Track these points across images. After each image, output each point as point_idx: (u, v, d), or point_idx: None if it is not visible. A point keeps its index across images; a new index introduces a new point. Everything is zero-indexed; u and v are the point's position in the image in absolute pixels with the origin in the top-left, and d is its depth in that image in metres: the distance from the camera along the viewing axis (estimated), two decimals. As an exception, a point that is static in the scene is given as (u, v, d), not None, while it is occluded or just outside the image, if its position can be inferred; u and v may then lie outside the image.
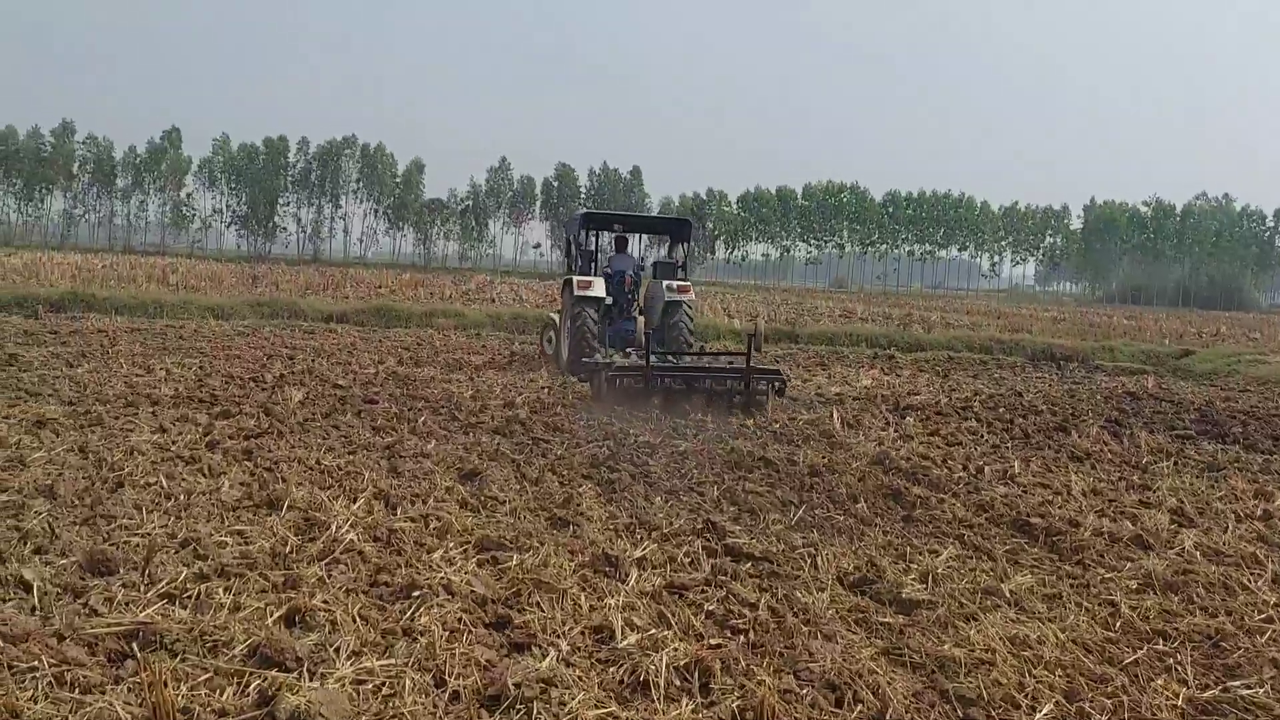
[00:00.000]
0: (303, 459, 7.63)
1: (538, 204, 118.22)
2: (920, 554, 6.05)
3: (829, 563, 5.71)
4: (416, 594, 4.69)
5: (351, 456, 7.92)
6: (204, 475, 6.99)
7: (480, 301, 30.46)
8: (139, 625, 4.06)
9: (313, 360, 14.52)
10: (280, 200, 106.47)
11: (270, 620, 4.33)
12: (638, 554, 5.60)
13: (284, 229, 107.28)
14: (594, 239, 16.65)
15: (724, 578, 5.33)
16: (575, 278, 14.66)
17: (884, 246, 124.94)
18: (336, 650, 4.02)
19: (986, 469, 8.66)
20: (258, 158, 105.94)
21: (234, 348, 15.91)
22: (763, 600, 4.96)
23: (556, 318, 16.11)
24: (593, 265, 16.06)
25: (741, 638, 4.50)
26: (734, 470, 8.22)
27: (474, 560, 5.40)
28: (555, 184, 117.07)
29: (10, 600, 4.39)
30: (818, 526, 6.62)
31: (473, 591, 4.80)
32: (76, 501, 6.05)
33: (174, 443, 8.01)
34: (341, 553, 5.30)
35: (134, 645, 3.96)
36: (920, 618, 4.88)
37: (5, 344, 14.23)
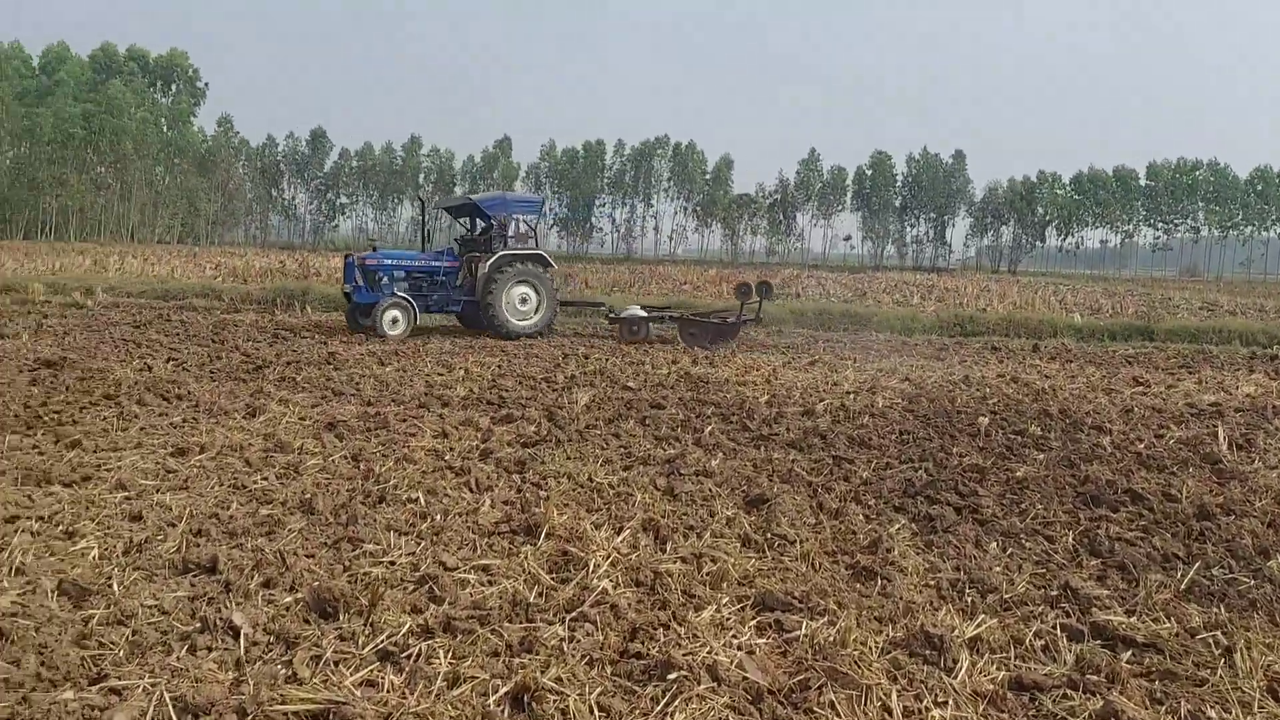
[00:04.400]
0: (574, 474, 6.85)
1: (848, 195, 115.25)
2: (1394, 654, 4.20)
3: (1250, 660, 4.03)
4: (673, 676, 3.63)
5: (626, 472, 7.05)
6: (469, 490, 6.38)
7: (786, 296, 29.32)
8: (330, 705, 3.30)
9: (607, 359, 14.05)
10: (597, 201, 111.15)
11: (492, 700, 3.45)
12: (970, 632, 4.22)
13: (599, 229, 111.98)
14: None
15: (1095, 676, 3.84)
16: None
17: (1249, 229, 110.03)
18: (558, 764, 3.04)
19: None
20: (578, 161, 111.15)
21: (535, 345, 15.84)
22: (1160, 724, 3.45)
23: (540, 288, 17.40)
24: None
25: (1135, 793, 3.05)
26: (1091, 506, 6.51)
27: (752, 624, 4.28)
28: (868, 173, 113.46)
29: (214, 650, 3.81)
30: (1221, 596, 4.88)
31: (745, 678, 3.67)
32: (331, 519, 5.59)
33: (451, 450, 7.55)
34: (593, 604, 4.36)
35: (320, 731, 3.20)
36: None
37: (330, 342, 14.92)
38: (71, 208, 71.95)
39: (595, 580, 4.66)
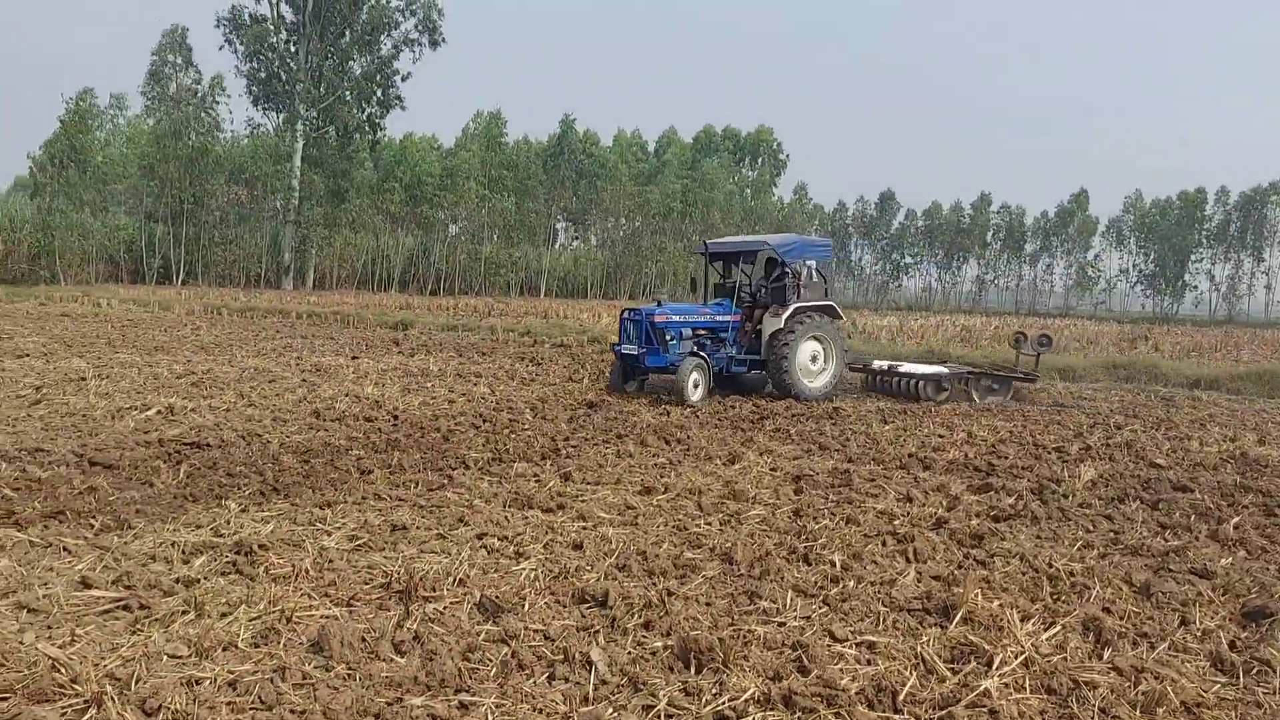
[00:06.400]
0: (1029, 556, 6.03)
1: None
2: None
3: None
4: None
5: (1100, 561, 6.04)
6: (903, 560, 5.94)
7: None
8: (624, 756, 3.22)
9: (1141, 431, 12.27)
10: (1192, 257, 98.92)
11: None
12: None
13: (1194, 287, 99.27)
14: None
15: None
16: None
17: None
18: None
19: None
20: (1170, 213, 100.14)
21: (1062, 412, 14.40)
22: None
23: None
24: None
25: None
26: None
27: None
28: None
29: (568, 682, 3.95)
30: None
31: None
32: (745, 571, 5.55)
33: (907, 514, 7.12)
34: (968, 705, 3.77)
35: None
36: None
37: (837, 397, 14.98)
38: (667, 271, 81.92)
39: (989, 679, 4.03)
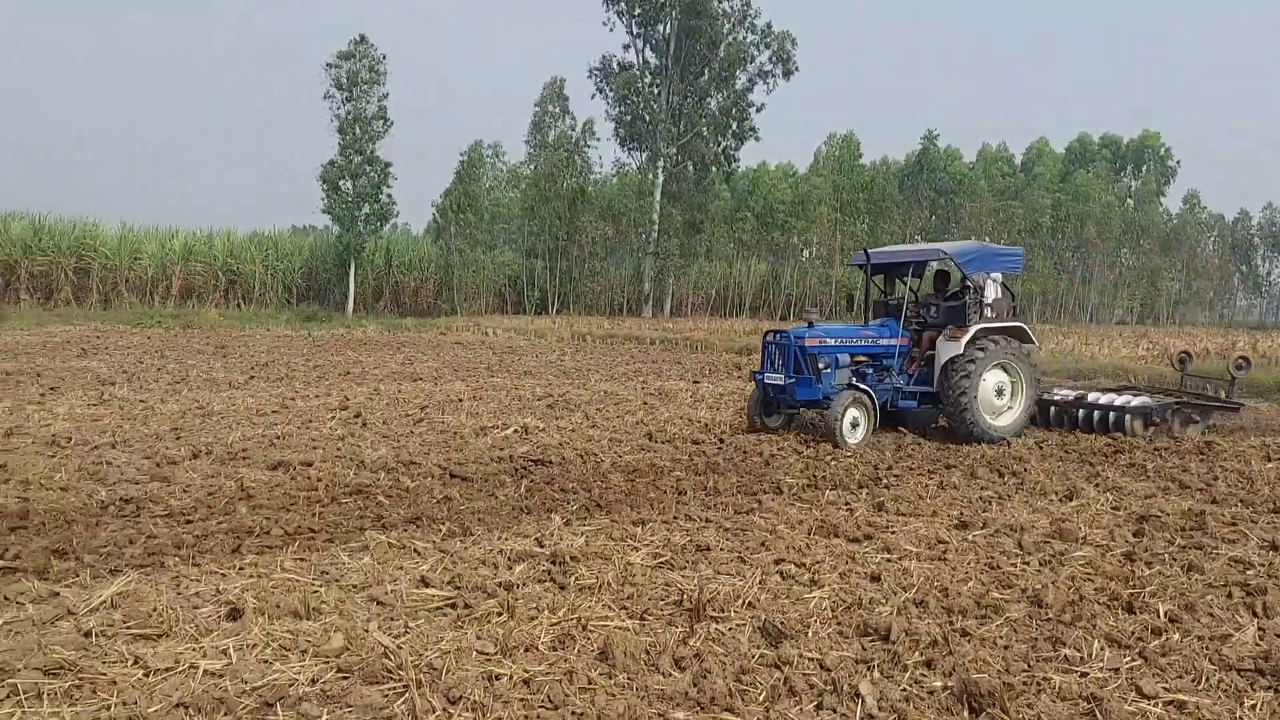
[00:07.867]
0: None
1: None
2: None
3: None
4: None
5: None
6: (1246, 613, 5.30)
7: None
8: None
9: None
10: None
11: None
12: None
13: None
14: None
15: None
16: None
17: None
18: None
19: None
20: None
21: None
22: None
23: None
24: None
25: None
26: None
27: None
28: None
29: (835, 713, 3.95)
30: None
31: None
32: (1053, 616, 5.21)
33: (1266, 564, 6.32)
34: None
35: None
36: None
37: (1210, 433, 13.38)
38: (1034, 291, 77.00)
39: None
